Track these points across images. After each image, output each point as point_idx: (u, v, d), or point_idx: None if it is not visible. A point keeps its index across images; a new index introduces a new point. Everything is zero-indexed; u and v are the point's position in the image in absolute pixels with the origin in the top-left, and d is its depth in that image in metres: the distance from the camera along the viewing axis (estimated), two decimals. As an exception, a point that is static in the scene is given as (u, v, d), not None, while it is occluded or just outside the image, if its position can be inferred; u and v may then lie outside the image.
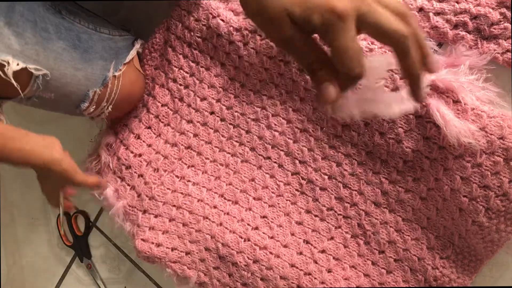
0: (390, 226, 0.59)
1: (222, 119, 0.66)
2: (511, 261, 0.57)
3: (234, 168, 0.66)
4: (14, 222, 0.93)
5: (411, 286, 0.59)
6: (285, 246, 0.62)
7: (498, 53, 0.54)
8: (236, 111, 0.65)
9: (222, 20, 0.63)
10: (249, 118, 0.65)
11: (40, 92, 0.58)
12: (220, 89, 0.66)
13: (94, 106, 0.64)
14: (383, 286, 0.59)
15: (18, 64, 0.53)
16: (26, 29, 0.54)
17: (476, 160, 0.53)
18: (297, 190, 0.63)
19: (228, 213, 0.64)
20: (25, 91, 0.56)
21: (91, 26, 0.63)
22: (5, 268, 0.94)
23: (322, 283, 0.60)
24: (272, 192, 0.64)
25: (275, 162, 0.64)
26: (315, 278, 0.60)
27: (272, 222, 0.63)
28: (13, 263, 0.93)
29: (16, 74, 0.53)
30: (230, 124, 0.66)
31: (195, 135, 0.68)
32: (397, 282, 0.59)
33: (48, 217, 0.89)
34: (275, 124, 0.64)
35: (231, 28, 0.63)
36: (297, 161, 0.63)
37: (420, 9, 0.57)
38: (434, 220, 0.57)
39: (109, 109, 0.66)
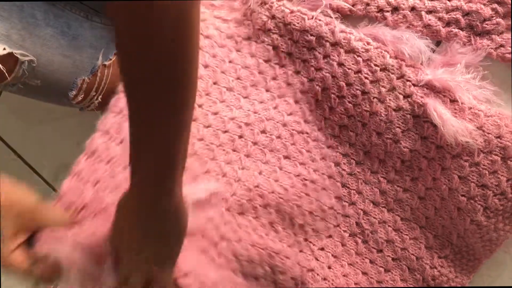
0: (389, 226, 0.59)
1: (208, 126, 0.63)
2: (509, 261, 0.57)
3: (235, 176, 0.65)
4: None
5: (409, 285, 0.59)
6: (289, 246, 0.62)
7: (492, 48, 0.55)
8: (225, 116, 0.63)
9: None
10: (241, 122, 0.64)
11: (26, 78, 0.57)
12: (203, 92, 0.64)
13: (83, 95, 0.63)
14: (381, 284, 0.60)
15: (4, 49, 0.53)
16: (12, 13, 0.53)
17: (473, 159, 0.53)
18: None
19: (240, 238, 0.62)
20: (10, 77, 0.56)
21: (82, 13, 0.62)
22: (3, 267, 0.93)
23: (324, 279, 0.60)
24: None
25: (274, 166, 0.63)
26: (317, 274, 0.60)
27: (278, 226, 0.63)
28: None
29: (1, 59, 0.52)
30: (220, 130, 0.63)
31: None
32: (395, 281, 0.59)
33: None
34: (271, 129, 0.62)
35: (223, 34, 0.62)
36: (297, 163, 0.62)
37: (412, 8, 0.57)
38: (433, 219, 0.57)
39: (99, 99, 0.65)
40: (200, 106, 0.62)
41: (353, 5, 0.58)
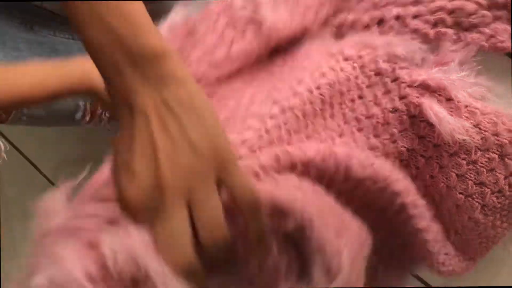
0: None
1: None
2: (507, 258, 0.59)
3: None
4: (11, 220, 0.94)
5: None
6: None
7: (482, 41, 0.54)
8: None
9: None
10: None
11: (27, 110, 0.58)
12: None
13: (89, 116, 0.63)
14: None
15: None
16: None
17: (471, 157, 0.53)
18: None
19: None
20: (11, 114, 0.56)
21: (67, 35, 0.62)
22: (3, 266, 0.96)
23: None
24: None
25: None
26: None
27: None
28: (10, 259, 0.95)
29: None
30: None
31: None
32: None
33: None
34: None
35: None
36: None
37: (397, 17, 0.56)
38: (432, 215, 0.59)
39: (107, 115, 0.65)
40: None
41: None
